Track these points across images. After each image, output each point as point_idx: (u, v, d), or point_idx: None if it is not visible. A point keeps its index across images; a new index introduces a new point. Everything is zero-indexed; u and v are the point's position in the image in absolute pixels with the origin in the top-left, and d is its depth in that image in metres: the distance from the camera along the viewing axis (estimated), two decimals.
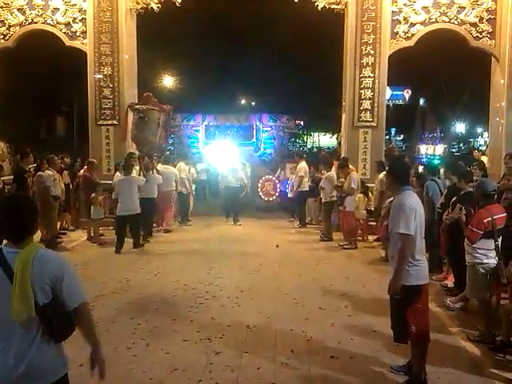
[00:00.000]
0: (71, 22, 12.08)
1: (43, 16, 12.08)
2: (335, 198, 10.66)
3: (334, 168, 11.07)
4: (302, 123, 39.08)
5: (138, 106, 11.66)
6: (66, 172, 11.79)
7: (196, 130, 25.62)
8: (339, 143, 18.18)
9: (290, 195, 13.43)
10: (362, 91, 11.74)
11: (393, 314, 4.44)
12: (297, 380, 4.50)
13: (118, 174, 10.92)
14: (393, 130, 41.39)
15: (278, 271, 8.19)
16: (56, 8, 12.03)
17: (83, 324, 2.75)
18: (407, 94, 31.45)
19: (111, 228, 11.17)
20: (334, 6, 11.71)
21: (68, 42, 12.19)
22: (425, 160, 24.46)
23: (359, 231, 10.74)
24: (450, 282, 7.22)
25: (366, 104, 11.77)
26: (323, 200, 10.99)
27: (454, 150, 35.27)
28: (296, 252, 9.72)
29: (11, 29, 12.17)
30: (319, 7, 11.66)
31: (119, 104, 12.18)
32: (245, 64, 27.32)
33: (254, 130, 26.05)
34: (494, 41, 11.36)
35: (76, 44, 12.20)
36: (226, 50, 26.99)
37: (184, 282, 7.47)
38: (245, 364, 4.75)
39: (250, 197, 14.21)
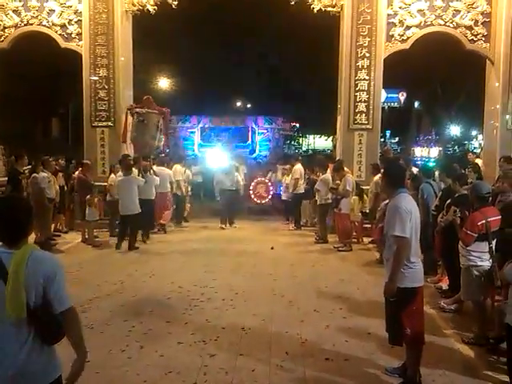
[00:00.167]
0: (67, 24, 12.07)
1: (39, 18, 12.05)
2: (330, 201, 10.67)
3: (329, 170, 11.08)
4: (297, 125, 39.13)
5: (137, 110, 11.69)
6: (60, 174, 11.74)
7: (191, 132, 25.56)
8: (334, 146, 18.21)
9: (283, 197, 13.44)
10: (358, 94, 11.77)
11: (388, 316, 4.45)
12: (291, 382, 4.50)
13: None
14: (388, 133, 41.43)
15: (273, 273, 8.17)
16: (51, 10, 12.01)
17: (70, 330, 2.70)
18: (402, 96, 31.55)
19: (105, 230, 11.17)
20: (329, 9, 11.75)
21: (63, 44, 12.16)
22: (420, 162, 24.48)
23: (354, 233, 10.75)
24: (444, 284, 7.24)
25: (362, 106, 11.81)
26: (318, 202, 10.99)
27: (448, 153, 35.32)
28: (291, 254, 9.73)
29: (6, 30, 12.12)
30: (315, 10, 11.69)
31: (114, 106, 12.17)
32: (241, 66, 27.37)
33: (250, 132, 26.03)
34: (488, 44, 11.43)
35: (71, 46, 12.18)
36: (222, 51, 27.07)
37: (179, 284, 7.45)
38: (239, 366, 4.74)
39: (242, 199, 14.08)
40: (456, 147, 39.11)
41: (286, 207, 13.52)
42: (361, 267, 8.74)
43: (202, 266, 8.54)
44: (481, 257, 5.28)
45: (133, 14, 12.39)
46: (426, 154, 36.60)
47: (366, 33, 11.56)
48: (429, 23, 11.52)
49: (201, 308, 6.44)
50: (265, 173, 15.82)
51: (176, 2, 11.93)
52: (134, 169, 10.26)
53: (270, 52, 27.72)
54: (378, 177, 9.58)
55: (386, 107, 29.42)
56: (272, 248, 10.10)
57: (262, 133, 25.96)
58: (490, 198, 5.73)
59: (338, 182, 10.37)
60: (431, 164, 18.84)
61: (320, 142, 46.69)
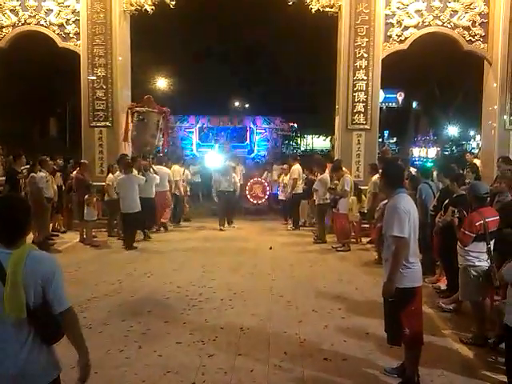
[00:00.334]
0: (64, 24, 12.06)
1: (36, 17, 12.04)
2: (328, 201, 10.66)
3: (327, 170, 11.08)
4: (295, 125, 39.14)
5: (138, 109, 11.70)
6: (58, 173, 11.73)
7: (189, 132, 25.57)
8: (333, 146, 18.21)
9: (281, 197, 13.43)
10: (356, 94, 11.78)
11: (387, 316, 4.45)
12: (290, 382, 4.49)
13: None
14: (386, 133, 41.48)
15: (272, 273, 8.17)
16: (49, 9, 12.00)
17: (70, 330, 2.71)
18: (400, 96, 31.62)
19: (104, 230, 11.15)
20: (327, 10, 11.76)
21: (61, 44, 12.15)
22: (418, 162, 24.51)
23: (352, 233, 10.75)
24: (442, 284, 7.24)
25: (360, 107, 11.82)
26: (317, 202, 10.98)
27: (446, 153, 35.39)
28: (289, 254, 9.73)
29: (4, 30, 12.11)
30: (313, 10, 11.70)
31: (112, 106, 12.16)
32: (239, 66, 27.37)
33: (248, 132, 26.05)
34: (486, 44, 11.45)
35: (69, 45, 12.17)
36: (220, 51, 27.05)
37: (177, 283, 7.45)
38: (238, 366, 4.73)
39: (239, 199, 14.02)
40: (454, 147, 39.21)
41: (283, 207, 13.53)
42: (359, 267, 8.74)
43: (200, 266, 8.53)
44: (479, 257, 5.28)
45: (131, 14, 12.39)
46: (424, 154, 36.66)
47: (363, 33, 11.57)
48: (427, 24, 11.54)
49: (199, 308, 6.44)
50: (261, 172, 15.82)
51: (174, 2, 11.93)
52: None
53: (268, 52, 27.70)
54: (376, 177, 9.60)
55: (384, 107, 29.49)
56: (271, 248, 10.10)
57: (260, 133, 26.01)
58: (488, 199, 5.74)
59: (336, 182, 10.37)
60: (429, 164, 18.85)
61: (318, 142, 46.71)
